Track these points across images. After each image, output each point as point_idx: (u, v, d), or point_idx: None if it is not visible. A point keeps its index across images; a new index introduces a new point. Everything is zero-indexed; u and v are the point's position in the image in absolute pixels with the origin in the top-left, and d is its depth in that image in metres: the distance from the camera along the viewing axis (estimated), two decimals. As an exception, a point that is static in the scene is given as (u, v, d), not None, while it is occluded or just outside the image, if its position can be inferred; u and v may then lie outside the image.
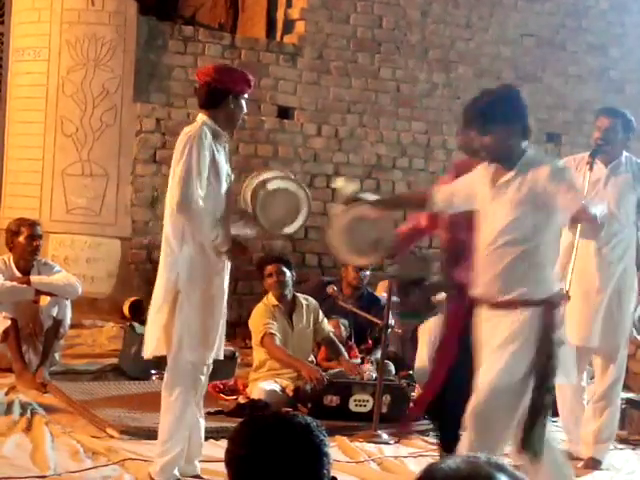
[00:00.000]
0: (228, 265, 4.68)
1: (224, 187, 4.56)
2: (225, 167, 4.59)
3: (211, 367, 4.77)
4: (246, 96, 4.64)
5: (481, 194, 4.06)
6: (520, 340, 3.86)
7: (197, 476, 4.79)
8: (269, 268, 6.45)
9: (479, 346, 4.02)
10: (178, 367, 4.56)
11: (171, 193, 4.48)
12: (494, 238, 3.95)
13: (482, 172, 4.11)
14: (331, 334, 6.65)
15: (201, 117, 4.58)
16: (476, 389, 3.92)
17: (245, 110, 4.67)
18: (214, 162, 4.49)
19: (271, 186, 4.64)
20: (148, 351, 4.67)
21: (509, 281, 3.93)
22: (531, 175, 3.89)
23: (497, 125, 3.94)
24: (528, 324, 3.87)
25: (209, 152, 4.45)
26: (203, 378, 4.67)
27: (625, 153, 5.56)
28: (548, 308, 3.89)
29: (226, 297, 4.69)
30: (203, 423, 4.85)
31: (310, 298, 6.61)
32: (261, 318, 6.37)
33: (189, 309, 4.49)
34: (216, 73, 4.63)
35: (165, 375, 4.68)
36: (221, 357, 4.78)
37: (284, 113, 9.02)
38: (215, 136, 4.52)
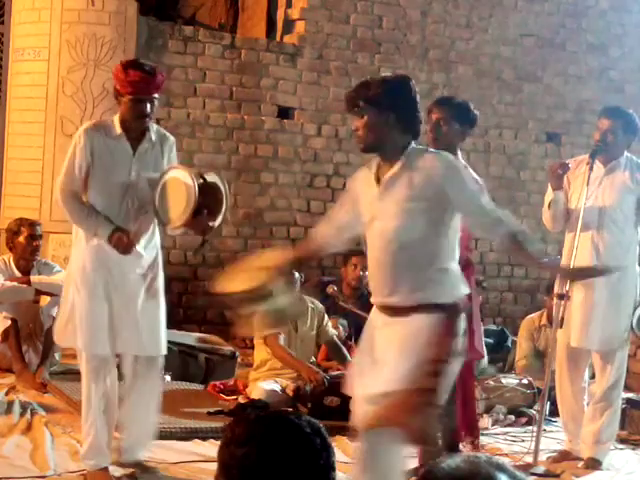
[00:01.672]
0: (147, 257, 4.68)
1: (119, 181, 4.58)
2: (125, 167, 4.58)
3: (151, 364, 4.78)
4: (142, 97, 4.49)
5: (367, 197, 3.70)
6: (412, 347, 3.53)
7: (138, 463, 4.81)
8: None
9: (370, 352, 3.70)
10: (79, 358, 4.68)
11: None
12: (387, 242, 3.61)
13: (362, 175, 3.78)
14: (334, 337, 6.64)
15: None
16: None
17: (138, 112, 4.52)
18: (104, 162, 4.56)
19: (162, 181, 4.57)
20: (55, 338, 4.95)
21: (409, 285, 3.59)
22: (420, 166, 3.58)
23: (370, 107, 3.60)
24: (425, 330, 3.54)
25: (88, 148, 4.54)
26: (107, 368, 4.63)
27: (626, 154, 5.55)
28: (451, 314, 3.58)
29: (146, 290, 4.69)
30: (146, 418, 4.83)
31: (316, 301, 6.61)
32: (266, 317, 6.37)
33: (77, 297, 4.58)
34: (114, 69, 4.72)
35: None
36: (142, 353, 4.75)
37: (284, 113, 9.01)
38: (108, 134, 4.58)
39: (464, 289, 3.68)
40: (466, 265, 4.66)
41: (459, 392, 4.74)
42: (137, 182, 4.61)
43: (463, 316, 3.66)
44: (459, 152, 5.00)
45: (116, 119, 4.62)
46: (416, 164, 3.60)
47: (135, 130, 4.62)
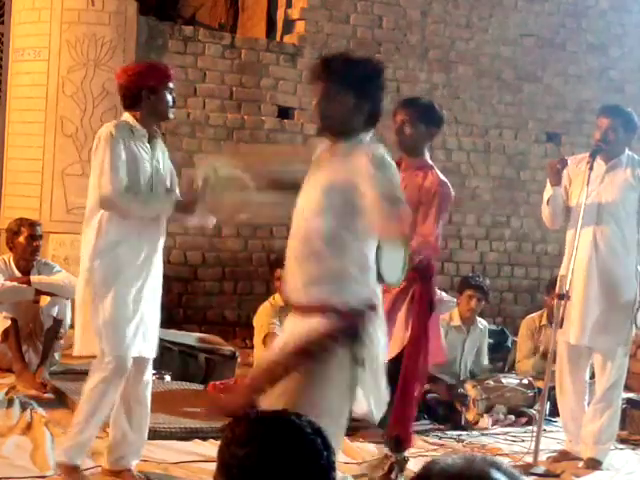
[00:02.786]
0: (157, 260, 4.65)
1: (150, 184, 4.57)
2: (148, 164, 4.59)
3: (145, 365, 4.69)
4: (171, 85, 4.62)
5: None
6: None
7: (128, 469, 4.72)
8: (279, 271, 6.45)
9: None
10: (99, 360, 4.55)
11: (92, 194, 4.56)
12: (299, 226, 3.43)
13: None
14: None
15: (124, 117, 4.65)
16: None
17: (170, 101, 4.62)
18: (133, 160, 4.53)
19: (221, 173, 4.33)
20: (76, 350, 4.70)
21: (310, 281, 3.40)
22: (351, 159, 3.36)
23: (333, 82, 3.44)
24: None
25: (123, 150, 4.49)
26: (126, 373, 4.57)
27: (627, 152, 5.56)
28: (346, 317, 3.33)
29: (156, 294, 4.66)
30: (140, 424, 4.74)
31: None
32: (266, 317, 6.38)
33: (103, 301, 4.48)
34: (125, 73, 4.68)
35: (91, 367, 4.65)
36: (146, 355, 4.66)
37: (284, 113, 9.01)
38: (133, 134, 4.56)
39: (366, 293, 3.39)
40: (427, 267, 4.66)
41: (398, 394, 4.61)
42: (158, 178, 4.65)
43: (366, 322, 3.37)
44: (427, 153, 4.99)
45: (130, 118, 4.61)
46: (351, 154, 3.40)
47: (153, 126, 4.66)
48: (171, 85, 4.65)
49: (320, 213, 3.36)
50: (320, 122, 3.52)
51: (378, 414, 3.52)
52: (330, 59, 3.57)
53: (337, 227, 3.35)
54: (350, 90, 3.43)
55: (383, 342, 3.48)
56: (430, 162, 4.97)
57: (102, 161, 4.49)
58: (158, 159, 4.68)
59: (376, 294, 3.45)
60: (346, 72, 3.46)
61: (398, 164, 4.73)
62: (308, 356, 3.31)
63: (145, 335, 4.62)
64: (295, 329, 3.45)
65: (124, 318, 4.52)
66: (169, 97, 4.62)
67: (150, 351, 4.69)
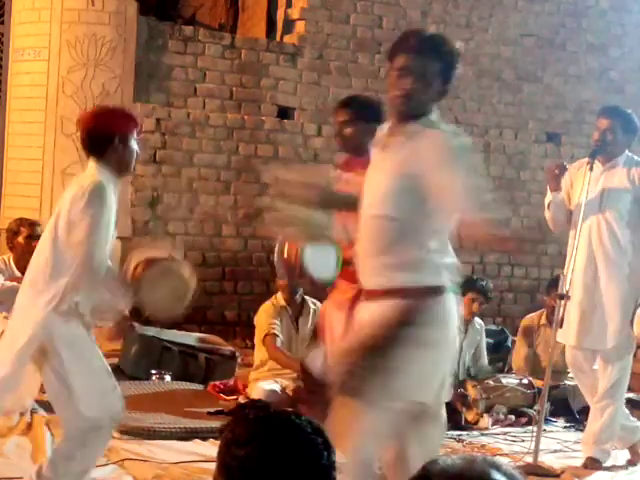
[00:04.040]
0: None
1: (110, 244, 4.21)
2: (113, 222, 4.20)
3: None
4: (135, 134, 4.29)
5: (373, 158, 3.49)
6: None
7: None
8: None
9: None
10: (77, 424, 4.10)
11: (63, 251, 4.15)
12: (370, 214, 3.41)
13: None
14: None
15: (92, 166, 4.20)
16: None
17: (137, 152, 4.29)
18: (110, 219, 4.13)
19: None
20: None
21: (384, 268, 3.36)
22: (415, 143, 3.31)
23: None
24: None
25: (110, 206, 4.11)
26: None
27: (627, 153, 5.56)
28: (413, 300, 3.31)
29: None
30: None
31: (319, 303, 6.59)
32: (267, 317, 6.38)
33: (79, 364, 4.06)
34: (95, 117, 4.35)
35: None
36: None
37: (284, 113, 9.01)
38: (113, 183, 4.17)
39: (436, 277, 3.36)
40: None
41: None
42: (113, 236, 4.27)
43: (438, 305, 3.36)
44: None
45: (105, 172, 4.17)
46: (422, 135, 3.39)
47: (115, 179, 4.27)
48: (135, 134, 4.31)
49: (390, 200, 3.33)
50: (400, 99, 3.40)
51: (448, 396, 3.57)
52: (422, 35, 3.48)
53: (408, 213, 3.31)
54: (439, 66, 3.35)
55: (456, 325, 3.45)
56: None
57: (93, 220, 4.03)
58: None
59: (448, 277, 3.39)
60: (437, 47, 3.39)
61: (346, 165, 4.69)
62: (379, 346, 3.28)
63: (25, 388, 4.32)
64: (366, 314, 3.40)
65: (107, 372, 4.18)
66: (135, 147, 4.27)
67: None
